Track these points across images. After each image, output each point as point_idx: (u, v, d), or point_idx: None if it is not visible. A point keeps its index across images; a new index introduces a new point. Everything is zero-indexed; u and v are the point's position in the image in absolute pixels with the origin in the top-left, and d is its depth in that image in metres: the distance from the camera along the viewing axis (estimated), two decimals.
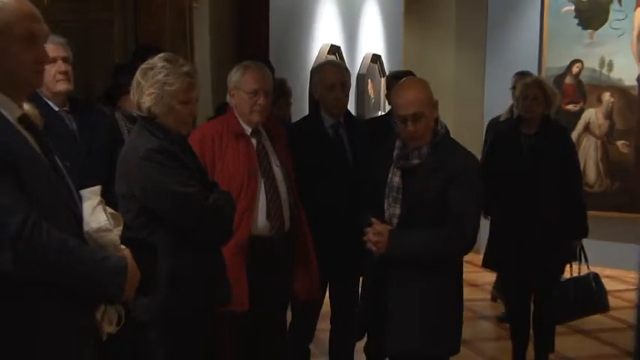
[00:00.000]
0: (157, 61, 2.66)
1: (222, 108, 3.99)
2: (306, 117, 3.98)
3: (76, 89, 3.26)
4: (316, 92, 3.83)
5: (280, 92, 4.38)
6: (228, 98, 3.25)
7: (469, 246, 2.97)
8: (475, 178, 2.90)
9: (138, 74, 2.67)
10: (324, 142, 3.68)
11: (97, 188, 2.12)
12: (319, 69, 3.93)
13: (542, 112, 4.35)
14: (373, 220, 2.84)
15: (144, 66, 2.67)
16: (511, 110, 5.33)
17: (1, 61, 1.83)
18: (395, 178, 2.90)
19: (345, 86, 3.75)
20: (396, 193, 2.88)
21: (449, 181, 2.81)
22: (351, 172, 3.60)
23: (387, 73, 7.37)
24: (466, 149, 3.02)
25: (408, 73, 4.26)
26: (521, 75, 5.35)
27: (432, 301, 2.84)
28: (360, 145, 3.74)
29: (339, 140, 3.71)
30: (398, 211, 2.87)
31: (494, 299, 5.91)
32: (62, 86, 3.09)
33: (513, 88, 5.22)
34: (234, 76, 3.19)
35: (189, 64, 2.75)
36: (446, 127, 3.20)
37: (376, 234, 2.80)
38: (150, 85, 2.61)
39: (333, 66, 3.98)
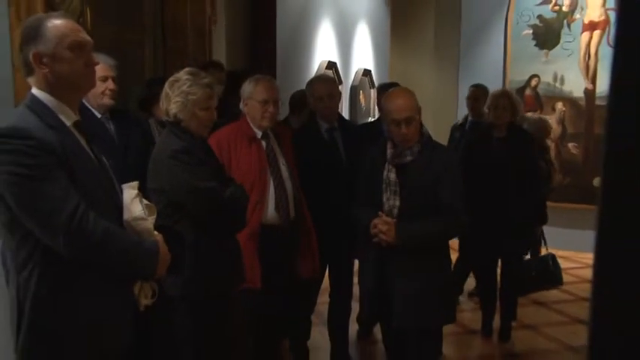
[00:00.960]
0: (182, 74, 2.68)
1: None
2: (305, 123, 3.98)
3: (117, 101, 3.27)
4: (310, 103, 3.84)
5: (302, 102, 4.35)
6: (241, 106, 3.25)
7: (463, 229, 3.01)
8: (459, 172, 2.93)
9: (166, 86, 2.70)
10: (320, 144, 3.68)
11: (135, 183, 2.12)
12: (311, 83, 3.92)
13: (510, 119, 4.38)
14: (380, 213, 2.85)
15: (171, 79, 2.70)
16: (466, 117, 5.33)
17: (58, 66, 1.86)
18: (391, 175, 2.91)
19: (333, 97, 3.73)
20: (394, 187, 2.89)
21: (439, 175, 2.83)
22: (345, 169, 3.61)
23: (377, 84, 7.40)
24: (448, 148, 3.06)
25: (395, 84, 4.27)
26: (476, 87, 5.36)
27: (433, 278, 2.86)
28: (352, 146, 3.76)
29: (334, 142, 3.71)
30: (397, 202, 2.88)
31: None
32: (108, 101, 3.11)
33: (468, 98, 5.26)
34: (248, 87, 3.20)
35: (208, 76, 2.76)
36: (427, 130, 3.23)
37: (384, 224, 2.81)
38: (176, 95, 2.63)
39: (321, 81, 3.94)
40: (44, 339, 1.86)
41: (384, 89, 4.21)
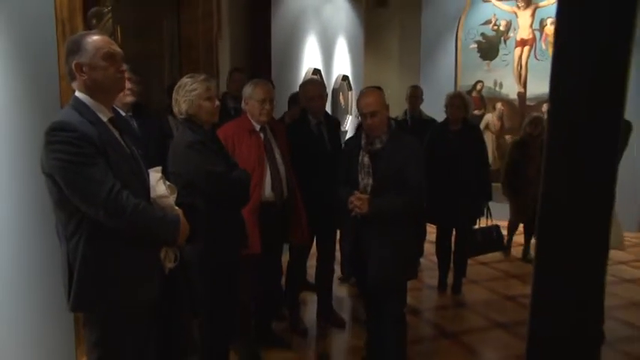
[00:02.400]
0: (183, 79, 2.70)
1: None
2: (296, 119, 3.95)
3: (140, 101, 3.27)
4: (302, 101, 3.82)
5: (294, 101, 4.41)
6: (242, 105, 3.22)
7: (422, 204, 3.02)
8: (422, 157, 2.93)
9: (174, 93, 2.71)
10: (310, 135, 3.66)
11: (159, 168, 2.11)
12: (303, 85, 3.90)
13: (463, 115, 4.39)
14: (355, 192, 2.85)
15: (176, 87, 2.71)
16: (405, 112, 5.22)
17: (94, 73, 1.88)
18: (365, 159, 2.90)
19: (321, 97, 3.72)
20: (367, 169, 2.89)
21: (404, 159, 2.82)
22: (329, 156, 3.59)
23: (353, 88, 7.44)
24: (412, 137, 3.05)
25: (378, 89, 4.28)
26: (414, 87, 5.26)
27: (399, 243, 2.86)
28: (335, 137, 3.75)
29: (321, 134, 3.70)
30: (370, 182, 2.87)
31: None
32: (129, 98, 3.09)
33: (410, 96, 5.15)
34: (248, 89, 3.17)
35: (205, 75, 2.75)
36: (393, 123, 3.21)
37: (359, 200, 2.81)
38: (182, 95, 2.64)
39: (312, 83, 3.92)
40: (90, 293, 1.87)
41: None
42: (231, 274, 2.80)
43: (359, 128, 3.90)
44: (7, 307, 2.78)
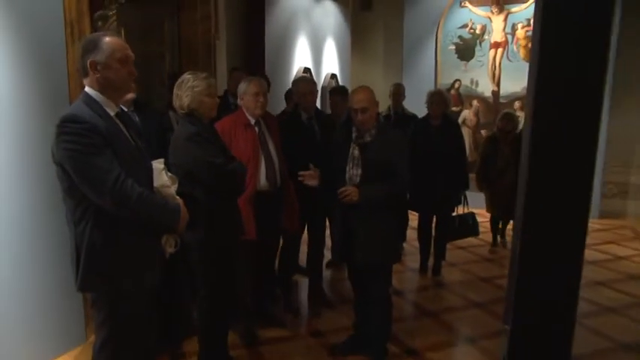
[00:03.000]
0: (185, 76, 2.66)
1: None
2: (289, 113, 3.92)
3: (141, 97, 3.24)
4: (294, 97, 3.79)
5: (289, 97, 4.46)
6: (238, 101, 3.17)
7: (406, 192, 2.99)
8: (407, 149, 2.90)
9: (175, 88, 2.66)
10: (302, 129, 3.64)
11: (162, 160, 2.10)
12: (296, 82, 3.87)
13: (443, 111, 4.37)
14: (347, 185, 2.84)
15: (177, 82, 2.66)
16: (389, 108, 5.16)
17: (107, 72, 1.87)
18: (355, 152, 2.87)
19: (313, 94, 3.71)
20: (357, 161, 2.86)
21: (390, 151, 2.81)
22: (319, 148, 3.55)
23: (330, 89, 7.42)
24: (397, 130, 3.03)
25: (343, 88, 4.32)
26: (396, 85, 5.20)
27: (385, 226, 2.85)
28: (324, 130, 3.71)
29: (312, 128, 3.67)
30: (359, 172, 2.84)
31: None
32: (130, 95, 2.98)
33: (393, 93, 5.09)
34: (243, 86, 3.12)
35: (206, 73, 2.72)
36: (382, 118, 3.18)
37: (349, 190, 2.79)
38: (185, 91, 2.60)
39: (304, 81, 3.89)
40: (95, 274, 1.87)
41: (334, 92, 4.22)
42: (230, 258, 2.76)
43: (347, 122, 3.86)
44: (23, 288, 2.79)
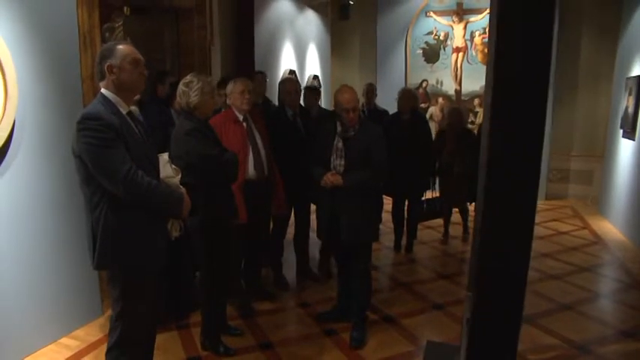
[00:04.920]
0: (193, 77, 2.62)
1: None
2: (275, 109, 3.87)
3: (145, 96, 3.25)
4: (281, 95, 3.76)
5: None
6: (227, 100, 3.14)
7: (385, 178, 3.01)
8: (384, 140, 2.90)
9: (182, 86, 2.63)
10: (287, 124, 3.62)
11: (167, 154, 2.12)
12: (282, 82, 3.84)
13: (411, 107, 4.40)
14: (331, 171, 2.86)
15: (185, 81, 2.63)
16: (362, 105, 4.90)
17: (122, 73, 1.89)
18: (339, 144, 2.88)
19: (297, 92, 3.70)
20: (340, 152, 2.87)
21: (370, 143, 2.82)
22: (304, 141, 3.56)
23: (322, 84, 7.35)
24: (376, 125, 3.04)
25: (313, 88, 4.20)
26: (368, 85, 5.07)
27: (365, 210, 2.87)
28: (307, 125, 3.70)
29: (296, 123, 3.65)
30: (343, 162, 2.86)
31: None
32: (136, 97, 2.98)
33: (366, 92, 4.96)
34: (230, 86, 3.09)
35: (212, 78, 2.77)
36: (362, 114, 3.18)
37: (332, 176, 2.82)
38: (194, 91, 2.57)
39: (290, 81, 3.85)
40: (110, 256, 1.88)
41: (307, 89, 4.15)
42: (226, 239, 2.76)
43: (331, 116, 3.86)
44: (45, 269, 2.80)
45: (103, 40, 4.88)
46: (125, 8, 3.95)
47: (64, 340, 2.89)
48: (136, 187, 1.80)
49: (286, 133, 3.54)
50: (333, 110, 2.99)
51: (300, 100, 3.77)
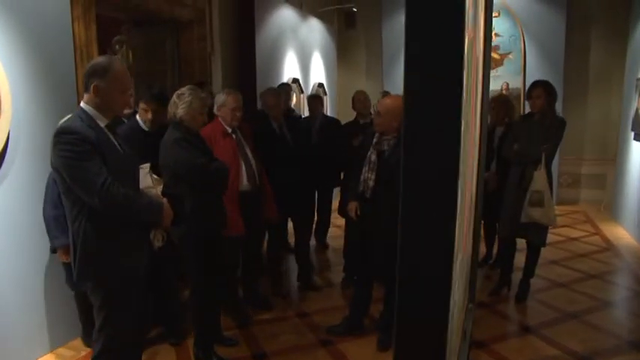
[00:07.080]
0: (186, 90, 2.62)
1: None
2: (261, 124, 3.62)
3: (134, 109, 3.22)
4: (263, 108, 3.66)
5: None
6: (215, 110, 3.07)
7: None
8: None
9: (174, 96, 2.63)
10: (274, 136, 3.56)
11: (147, 165, 2.11)
12: (263, 95, 3.69)
13: None
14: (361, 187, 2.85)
15: (178, 92, 2.63)
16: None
17: (107, 97, 1.88)
18: (372, 157, 2.81)
19: (279, 105, 3.59)
20: (373, 165, 2.80)
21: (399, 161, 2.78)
22: (292, 151, 3.53)
23: (328, 93, 7.35)
24: None
25: (315, 96, 4.27)
26: (357, 92, 4.77)
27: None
28: (296, 135, 3.66)
29: (283, 134, 3.59)
30: (374, 176, 2.79)
31: None
32: (127, 111, 2.92)
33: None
34: (221, 97, 3.04)
35: (204, 92, 2.69)
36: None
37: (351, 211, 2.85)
38: (182, 103, 2.57)
39: (271, 94, 3.64)
40: (90, 264, 1.88)
41: (311, 97, 4.17)
42: (216, 250, 2.72)
43: (336, 124, 3.79)
44: (41, 279, 2.83)
45: (113, 52, 5.00)
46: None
47: (61, 351, 2.91)
48: (111, 199, 1.80)
49: (274, 146, 3.50)
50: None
51: (282, 112, 3.69)
